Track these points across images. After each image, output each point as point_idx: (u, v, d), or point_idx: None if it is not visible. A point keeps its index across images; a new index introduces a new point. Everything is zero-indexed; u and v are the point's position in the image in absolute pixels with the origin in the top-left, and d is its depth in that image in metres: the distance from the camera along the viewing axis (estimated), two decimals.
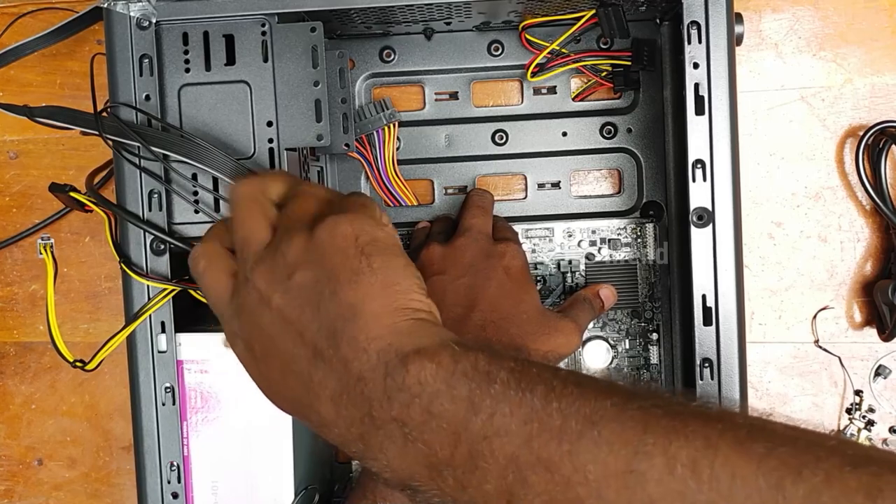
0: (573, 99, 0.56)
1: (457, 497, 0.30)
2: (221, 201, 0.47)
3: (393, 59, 0.56)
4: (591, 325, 0.56)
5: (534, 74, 0.54)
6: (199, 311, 0.47)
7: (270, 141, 0.47)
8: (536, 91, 0.57)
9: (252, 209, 0.38)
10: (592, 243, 0.56)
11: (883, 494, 0.25)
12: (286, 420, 0.47)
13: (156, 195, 0.47)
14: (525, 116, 0.57)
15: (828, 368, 0.57)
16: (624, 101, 0.56)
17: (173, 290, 0.47)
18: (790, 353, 0.58)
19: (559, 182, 0.57)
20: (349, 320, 0.33)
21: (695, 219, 0.46)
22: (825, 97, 0.57)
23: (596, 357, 0.56)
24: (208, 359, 0.48)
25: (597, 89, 0.56)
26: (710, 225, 0.46)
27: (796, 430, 0.28)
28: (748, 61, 0.57)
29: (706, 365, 0.46)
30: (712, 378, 0.46)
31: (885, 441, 0.57)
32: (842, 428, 0.57)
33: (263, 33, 0.47)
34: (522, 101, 0.57)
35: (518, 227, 0.56)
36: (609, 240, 0.56)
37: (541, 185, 0.57)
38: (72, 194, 0.51)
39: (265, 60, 0.47)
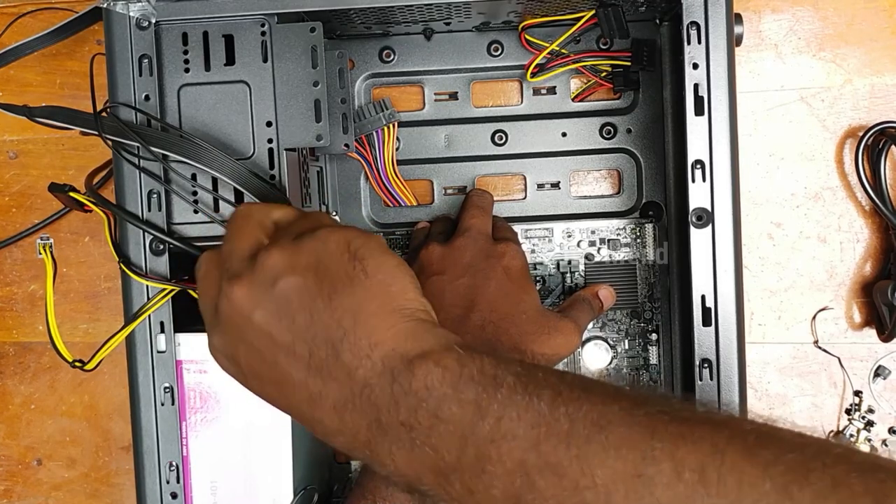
0: (573, 99, 0.56)
1: (464, 502, 0.30)
2: (221, 201, 0.47)
3: (393, 59, 0.56)
4: (590, 326, 0.56)
5: (533, 75, 0.54)
6: (199, 311, 0.47)
7: (270, 141, 0.47)
8: (536, 91, 0.57)
9: (244, 226, 0.38)
10: (592, 243, 0.56)
11: (889, 500, 0.25)
12: (285, 420, 0.47)
13: (155, 195, 0.47)
14: (525, 117, 0.57)
15: (827, 369, 0.57)
16: (623, 102, 0.56)
17: (172, 291, 0.47)
18: (789, 353, 0.58)
19: (559, 182, 0.57)
20: (349, 327, 0.32)
21: (694, 219, 0.46)
22: (825, 98, 0.57)
23: (595, 357, 0.56)
24: (207, 359, 0.47)
25: (596, 90, 0.56)
26: (710, 225, 0.46)
27: (803, 437, 0.29)
28: (748, 62, 0.57)
29: (705, 365, 0.46)
30: (711, 379, 0.46)
31: (884, 441, 0.57)
32: (841, 428, 0.57)
33: (263, 33, 0.47)
34: (522, 102, 0.57)
35: (517, 228, 0.56)
36: (608, 240, 0.56)
37: (540, 186, 0.57)
38: (71, 194, 0.51)
39: (265, 60, 0.47)
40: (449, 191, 0.58)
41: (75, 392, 0.62)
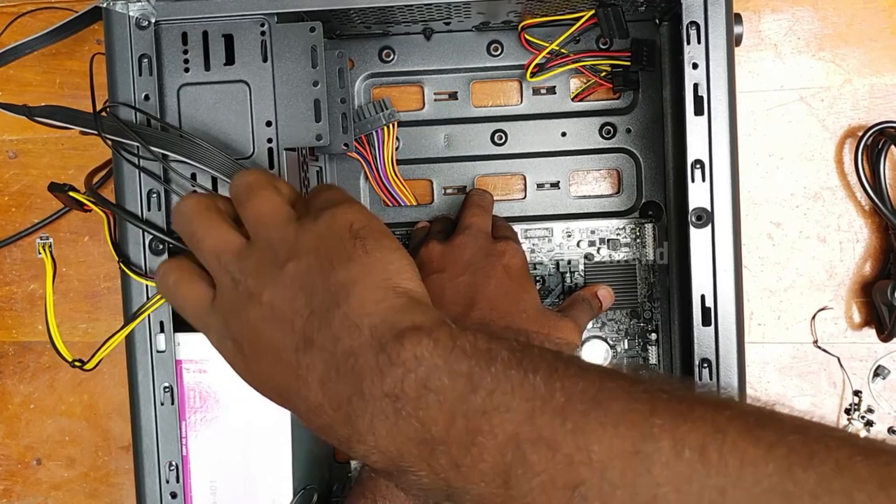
0: (572, 99, 0.56)
1: (449, 477, 0.29)
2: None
3: (392, 59, 0.56)
4: (589, 325, 0.56)
5: (533, 75, 0.54)
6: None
7: (269, 141, 0.47)
8: (536, 91, 0.57)
9: (208, 220, 0.38)
10: (591, 243, 0.56)
11: (894, 483, 0.25)
12: (285, 420, 0.47)
13: (155, 195, 0.47)
14: (524, 116, 0.57)
15: (827, 369, 0.57)
16: (623, 102, 0.56)
17: None
18: (789, 353, 0.58)
19: (558, 182, 0.57)
20: (342, 299, 0.32)
21: (694, 219, 0.46)
22: (824, 97, 0.57)
23: (595, 357, 0.56)
24: (207, 358, 0.48)
25: (596, 89, 0.56)
26: (710, 225, 0.46)
27: (805, 421, 0.28)
28: (747, 62, 0.57)
29: (705, 365, 0.46)
30: (711, 378, 0.46)
31: (883, 441, 0.57)
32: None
33: (263, 33, 0.47)
34: (522, 102, 0.57)
35: (517, 227, 0.56)
36: (608, 240, 0.56)
37: (540, 186, 0.57)
38: (71, 194, 0.51)
39: (264, 60, 0.47)
40: (449, 191, 0.58)
41: (75, 392, 0.62)
